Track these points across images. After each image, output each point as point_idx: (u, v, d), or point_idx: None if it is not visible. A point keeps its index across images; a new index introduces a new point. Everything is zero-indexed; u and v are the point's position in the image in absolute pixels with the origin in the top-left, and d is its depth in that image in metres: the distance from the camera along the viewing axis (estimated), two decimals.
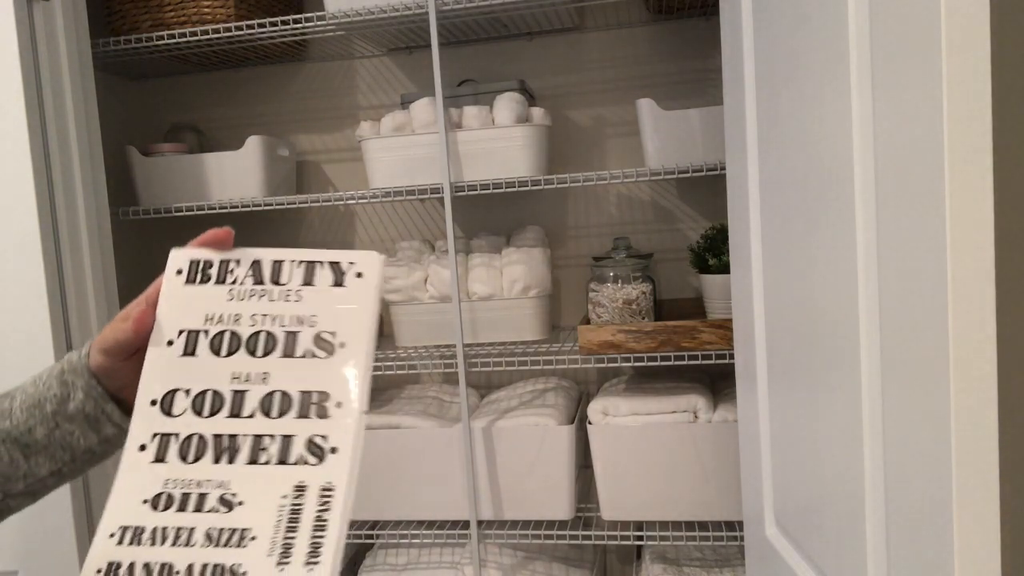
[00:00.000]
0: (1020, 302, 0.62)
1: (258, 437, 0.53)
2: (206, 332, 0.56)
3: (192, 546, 0.51)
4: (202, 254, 0.58)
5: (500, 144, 1.47)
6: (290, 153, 1.78)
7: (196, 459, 0.53)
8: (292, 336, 0.55)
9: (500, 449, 1.49)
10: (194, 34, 1.55)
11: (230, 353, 0.55)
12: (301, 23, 1.54)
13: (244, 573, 0.50)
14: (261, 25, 1.55)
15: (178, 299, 0.57)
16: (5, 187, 1.22)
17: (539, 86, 1.74)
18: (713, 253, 1.45)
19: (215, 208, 1.59)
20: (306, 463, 0.52)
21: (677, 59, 1.68)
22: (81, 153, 1.31)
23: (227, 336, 0.56)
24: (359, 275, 0.56)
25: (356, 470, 0.52)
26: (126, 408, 0.60)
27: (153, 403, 0.55)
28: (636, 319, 1.44)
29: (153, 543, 0.51)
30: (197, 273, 0.57)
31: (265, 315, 0.56)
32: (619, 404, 1.45)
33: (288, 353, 0.55)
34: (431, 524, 1.63)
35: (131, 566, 0.51)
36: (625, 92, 1.71)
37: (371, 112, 1.82)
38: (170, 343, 0.56)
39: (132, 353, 0.59)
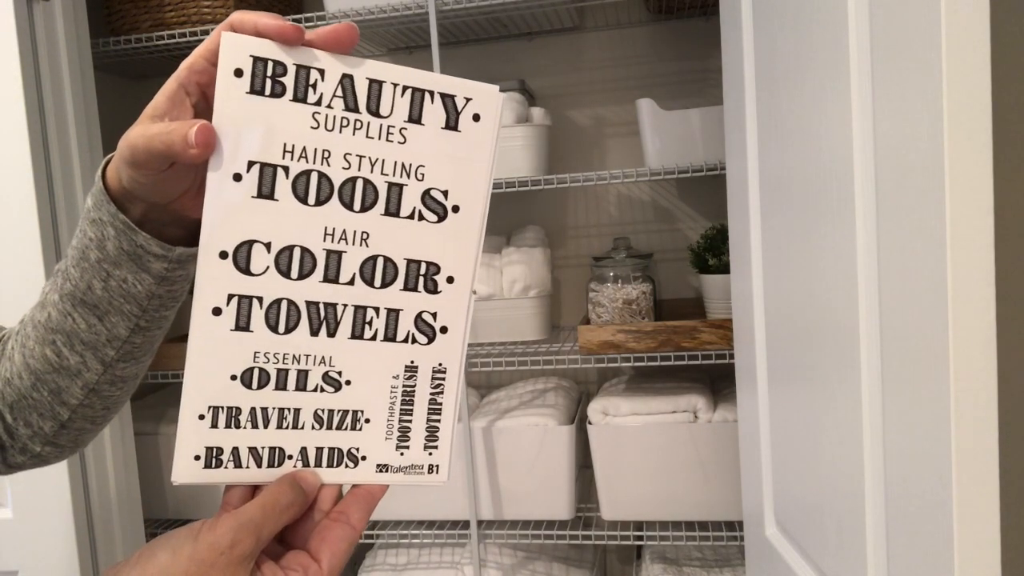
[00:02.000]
0: (1020, 302, 0.62)
1: (361, 308, 0.45)
2: (286, 169, 0.44)
3: (300, 428, 0.46)
4: (272, 51, 0.43)
5: (500, 144, 1.47)
6: None
7: (289, 329, 0.45)
8: (397, 189, 0.45)
9: (500, 449, 1.49)
10: (194, 34, 1.55)
11: (320, 202, 0.44)
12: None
13: (364, 457, 0.47)
14: None
15: (242, 113, 0.43)
16: (5, 187, 1.22)
17: (539, 86, 1.74)
18: (713, 253, 1.45)
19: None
20: (416, 341, 0.46)
21: (677, 59, 1.68)
22: (81, 153, 1.31)
23: (314, 178, 0.44)
24: (476, 117, 0.46)
25: (465, 352, 0.48)
26: (172, 234, 0.50)
27: (224, 256, 0.44)
28: (636, 319, 1.44)
29: (255, 425, 0.45)
30: (265, 79, 0.43)
31: (362, 156, 0.44)
32: (619, 404, 1.45)
33: (392, 211, 0.45)
34: (431, 524, 1.63)
35: (235, 451, 0.45)
36: (625, 92, 1.71)
37: None
38: (237, 177, 0.43)
39: (169, 165, 0.45)
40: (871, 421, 0.68)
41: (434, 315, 0.47)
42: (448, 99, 0.46)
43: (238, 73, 0.42)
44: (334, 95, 0.44)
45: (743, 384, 1.08)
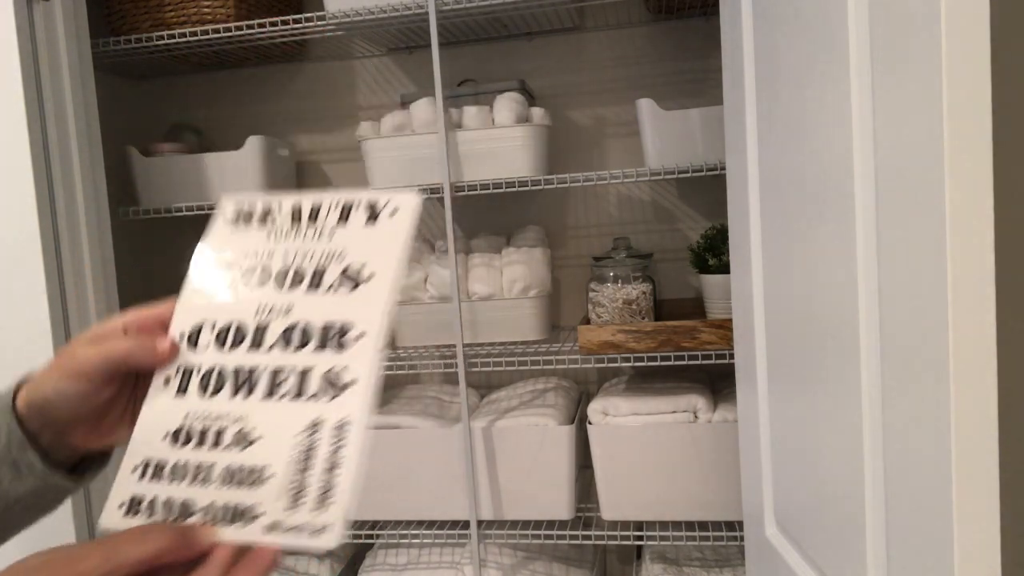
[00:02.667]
0: (1020, 302, 0.62)
1: (276, 370, 0.51)
2: (239, 266, 0.56)
3: (211, 483, 0.49)
4: (249, 202, 0.59)
5: (500, 144, 1.47)
6: (290, 153, 1.78)
7: (215, 392, 0.52)
8: (320, 270, 0.54)
9: (500, 449, 1.49)
10: (194, 34, 1.55)
11: (259, 286, 0.54)
12: (301, 23, 1.54)
13: (260, 515, 0.48)
14: (261, 25, 1.55)
15: (222, 241, 0.58)
16: (5, 187, 1.22)
17: (539, 86, 1.74)
18: (713, 253, 1.45)
19: (215, 208, 1.59)
20: (322, 397, 0.50)
21: (677, 59, 1.68)
22: (81, 153, 1.31)
23: (258, 271, 0.55)
24: (393, 212, 0.54)
25: (372, 404, 0.50)
26: (61, 457, 0.54)
27: (182, 336, 0.54)
28: (636, 319, 1.44)
29: (173, 479, 0.50)
30: (240, 219, 0.58)
31: (296, 251, 0.55)
32: (619, 404, 1.45)
33: (314, 285, 0.53)
34: (431, 524, 1.63)
35: (152, 501, 0.50)
36: (625, 92, 1.71)
37: (371, 112, 1.82)
38: (199, 287, 0.56)
39: (108, 380, 0.52)
40: (871, 421, 0.68)
41: (342, 370, 0.50)
42: (371, 204, 0.55)
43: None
44: (286, 217, 0.56)
45: (743, 384, 1.08)
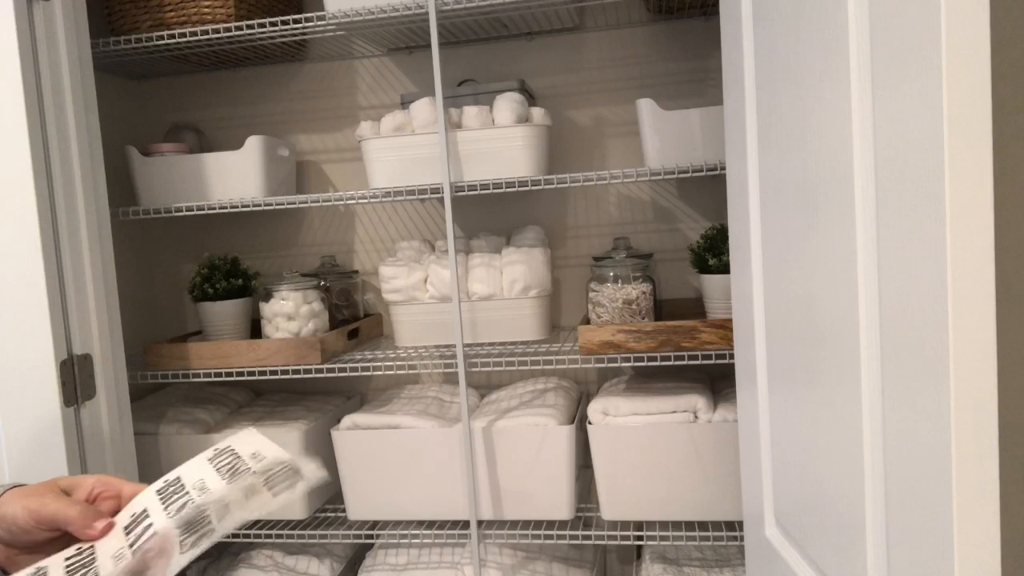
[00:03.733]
0: (1020, 302, 0.63)
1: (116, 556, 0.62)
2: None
3: None
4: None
5: (500, 144, 1.47)
6: (290, 153, 1.78)
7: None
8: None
9: (500, 449, 1.49)
10: (194, 34, 1.55)
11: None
12: (301, 23, 1.54)
13: None
14: (261, 25, 1.55)
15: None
16: (5, 187, 1.22)
17: (539, 86, 1.74)
18: (713, 253, 1.45)
19: (215, 208, 1.59)
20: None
21: (677, 59, 1.68)
22: (81, 153, 1.31)
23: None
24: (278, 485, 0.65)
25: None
26: None
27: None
28: (636, 319, 1.44)
29: None
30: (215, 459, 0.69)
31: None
32: (619, 404, 1.45)
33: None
34: (431, 524, 1.63)
35: None
36: (625, 92, 1.71)
37: (371, 112, 1.82)
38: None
39: (47, 533, 0.64)
40: (871, 421, 0.68)
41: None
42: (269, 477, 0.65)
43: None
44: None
45: (743, 384, 1.08)
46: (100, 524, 0.63)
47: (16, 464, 1.23)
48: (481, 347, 1.56)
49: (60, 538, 0.65)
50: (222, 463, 0.66)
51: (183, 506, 0.62)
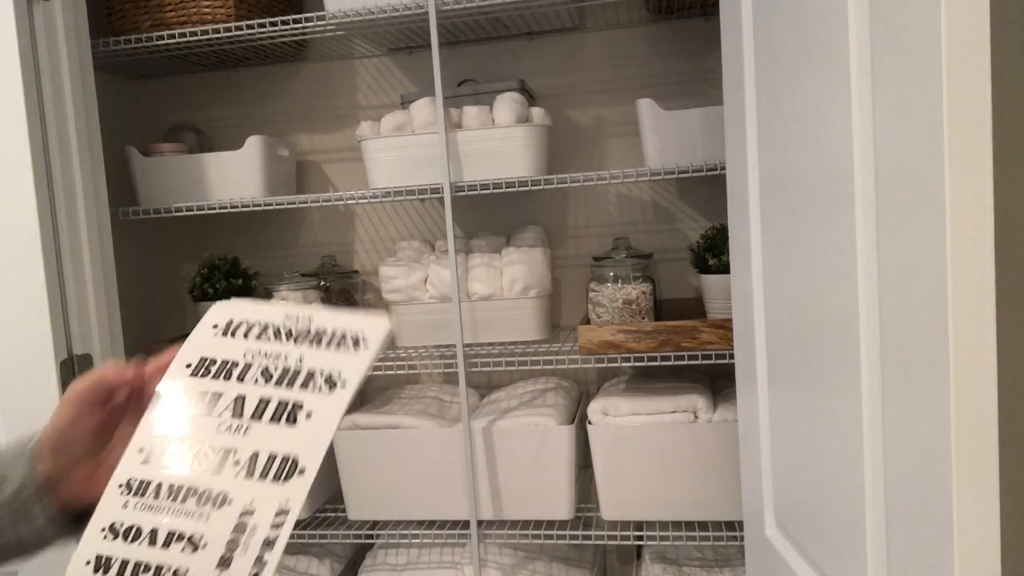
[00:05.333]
0: (1020, 302, 0.62)
1: (229, 450, 0.55)
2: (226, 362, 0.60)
3: (157, 546, 0.52)
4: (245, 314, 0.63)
5: (500, 144, 1.47)
6: (290, 153, 1.78)
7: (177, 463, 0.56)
8: (294, 372, 0.58)
9: (500, 449, 1.49)
10: (194, 34, 1.55)
11: (218, 414, 0.58)
12: (301, 23, 1.54)
13: None
14: (261, 25, 1.55)
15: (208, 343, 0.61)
16: (5, 187, 1.22)
17: (539, 86, 1.74)
18: (713, 253, 1.45)
19: (215, 208, 1.59)
20: (270, 481, 0.54)
21: (677, 59, 1.68)
22: (81, 153, 1.31)
23: (240, 366, 0.59)
24: (362, 340, 0.58)
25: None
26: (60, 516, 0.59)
27: (140, 450, 0.56)
28: (636, 319, 1.44)
29: (131, 540, 0.53)
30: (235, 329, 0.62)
31: (274, 358, 0.59)
32: (619, 404, 1.45)
33: (287, 383, 0.58)
34: (431, 524, 1.63)
35: (109, 560, 0.52)
36: (625, 92, 1.71)
37: (371, 112, 1.82)
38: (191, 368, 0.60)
39: (105, 400, 0.59)
40: (871, 421, 0.68)
41: (293, 458, 0.55)
42: (344, 333, 0.58)
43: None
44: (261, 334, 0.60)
45: (743, 384, 1.08)
46: (132, 368, 0.59)
47: None
48: (481, 347, 1.56)
49: (108, 427, 0.60)
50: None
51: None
